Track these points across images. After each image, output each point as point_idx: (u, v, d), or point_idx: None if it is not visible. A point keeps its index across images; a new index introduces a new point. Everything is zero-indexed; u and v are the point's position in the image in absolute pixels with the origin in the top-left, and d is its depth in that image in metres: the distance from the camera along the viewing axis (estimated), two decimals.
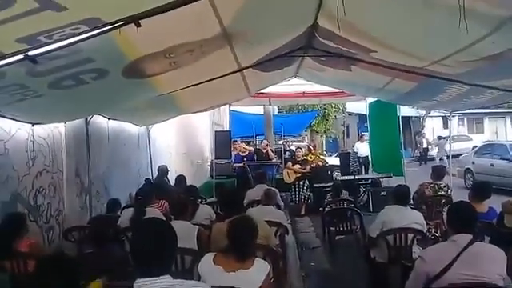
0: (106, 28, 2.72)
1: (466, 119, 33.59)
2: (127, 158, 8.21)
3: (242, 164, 11.10)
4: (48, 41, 2.61)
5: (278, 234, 4.88)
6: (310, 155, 11.26)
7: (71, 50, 2.95)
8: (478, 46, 3.67)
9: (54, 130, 5.65)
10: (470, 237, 2.82)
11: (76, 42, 2.81)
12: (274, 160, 11.92)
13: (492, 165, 13.44)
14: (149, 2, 2.62)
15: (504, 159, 13.05)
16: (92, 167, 6.31)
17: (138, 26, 2.78)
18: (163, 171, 8.62)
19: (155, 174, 8.85)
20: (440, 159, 22.45)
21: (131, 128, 8.36)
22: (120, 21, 2.69)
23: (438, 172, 6.60)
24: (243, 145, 12.52)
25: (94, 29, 2.65)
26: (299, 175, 10.44)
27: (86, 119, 6.14)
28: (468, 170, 14.52)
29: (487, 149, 14.85)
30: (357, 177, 10.93)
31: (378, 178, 11.21)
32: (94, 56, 3.26)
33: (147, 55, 3.77)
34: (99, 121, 6.71)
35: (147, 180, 8.09)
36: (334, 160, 15.20)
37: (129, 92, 4.95)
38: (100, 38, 2.86)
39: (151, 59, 3.93)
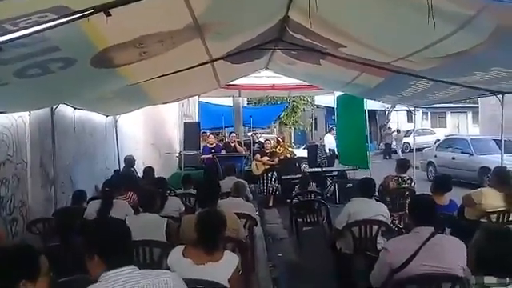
0: (74, 16, 2.65)
1: (429, 113, 34.61)
2: (94, 148, 8.05)
3: (210, 156, 11.06)
4: (13, 28, 2.53)
5: (247, 225, 4.92)
6: (278, 147, 11.33)
7: (38, 38, 2.85)
8: (443, 44, 3.79)
9: (18, 120, 5.47)
10: (431, 229, 2.92)
11: (43, 30, 2.73)
12: (243, 152, 11.95)
13: (453, 158, 13.86)
14: None
15: (464, 153, 13.45)
16: (57, 158, 6.16)
17: (108, 15, 2.73)
18: (130, 161, 8.51)
19: (122, 164, 8.73)
20: (394, 152, 23.31)
21: (98, 118, 8.20)
22: (89, 9, 2.63)
23: (402, 165, 6.76)
24: (212, 136, 12.47)
25: (62, 17, 2.59)
26: (267, 167, 10.50)
27: (52, 108, 5.98)
28: (430, 163, 14.95)
29: (449, 143, 15.30)
30: (324, 169, 11.07)
31: (345, 171, 11.41)
32: (61, 45, 3.17)
33: (117, 45, 3.70)
34: (65, 110, 6.55)
35: (116, 171, 7.97)
36: (301, 152, 15.33)
37: (98, 81, 4.85)
38: (68, 27, 2.78)
39: (121, 49, 3.85)
